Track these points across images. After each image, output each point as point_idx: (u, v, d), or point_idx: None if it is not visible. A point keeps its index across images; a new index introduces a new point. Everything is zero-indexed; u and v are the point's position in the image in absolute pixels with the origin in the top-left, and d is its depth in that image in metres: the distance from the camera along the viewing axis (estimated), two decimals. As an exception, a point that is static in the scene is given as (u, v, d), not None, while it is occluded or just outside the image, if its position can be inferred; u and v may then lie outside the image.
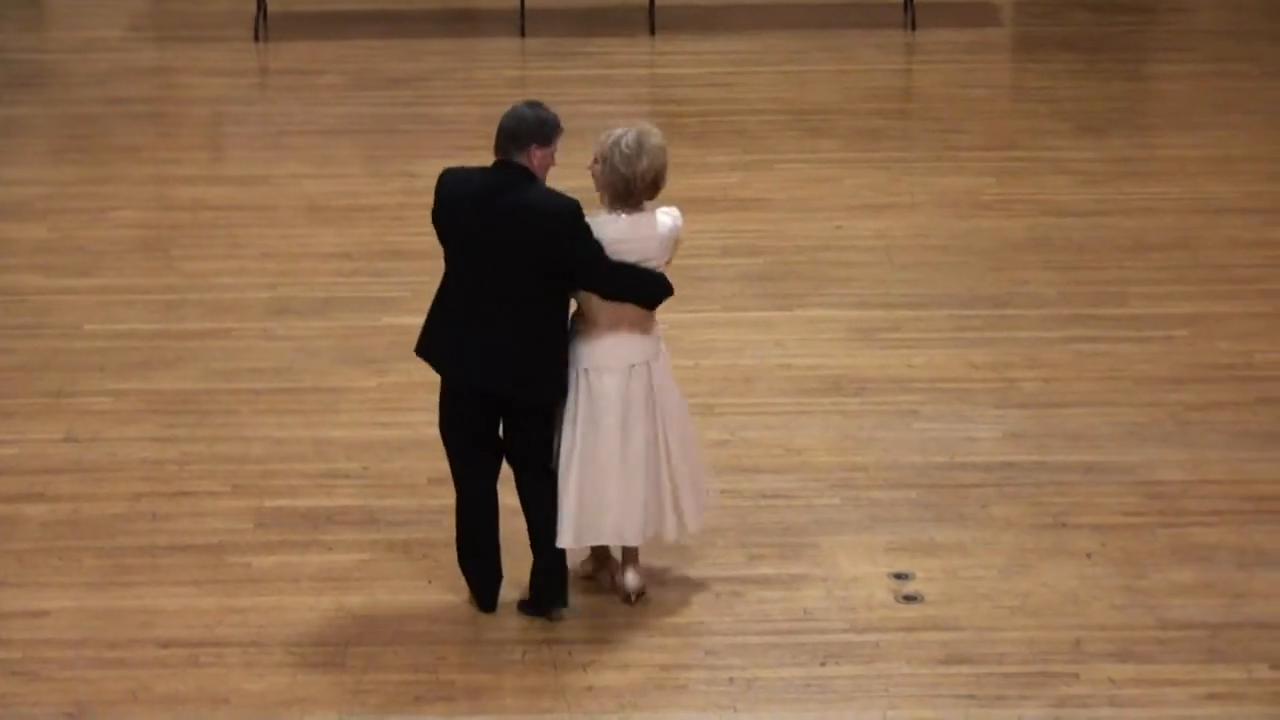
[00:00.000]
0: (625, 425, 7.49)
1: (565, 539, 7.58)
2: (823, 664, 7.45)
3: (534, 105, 7.55)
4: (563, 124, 7.51)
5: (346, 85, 13.85)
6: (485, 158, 12.47)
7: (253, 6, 14.79)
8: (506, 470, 7.64)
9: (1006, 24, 15.21)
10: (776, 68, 14.09)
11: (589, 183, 7.49)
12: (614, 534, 7.63)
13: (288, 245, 11.22)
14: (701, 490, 7.83)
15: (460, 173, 7.64)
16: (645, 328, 7.54)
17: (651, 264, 7.46)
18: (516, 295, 7.37)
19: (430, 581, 7.95)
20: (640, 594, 7.72)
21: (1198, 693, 7.26)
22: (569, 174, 7.74)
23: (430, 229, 11.26)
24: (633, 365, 7.50)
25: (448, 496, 8.45)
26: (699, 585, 7.88)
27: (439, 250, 10.94)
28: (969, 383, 9.57)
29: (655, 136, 7.43)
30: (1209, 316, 10.21)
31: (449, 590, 7.85)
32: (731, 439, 9.02)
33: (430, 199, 12.17)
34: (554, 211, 7.32)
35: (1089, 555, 8.13)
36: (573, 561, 7.78)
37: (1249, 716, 7.13)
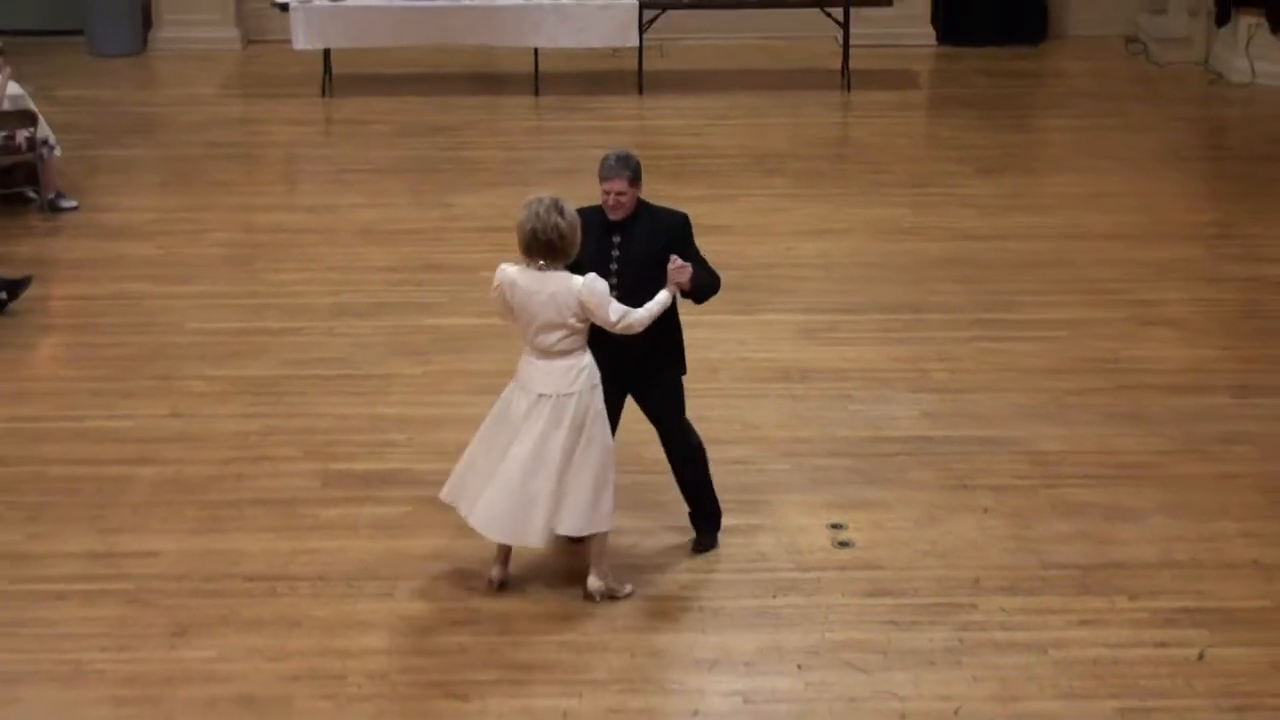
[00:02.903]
0: (522, 435, 7.14)
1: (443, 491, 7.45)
2: (774, 596, 7.49)
3: (615, 151, 7.41)
4: (610, 164, 7.29)
5: (395, 133, 13.87)
6: (508, 193, 12.63)
7: (320, 69, 14.81)
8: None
9: (923, 87, 15.25)
10: (739, 121, 14.11)
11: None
12: (468, 508, 7.30)
13: (347, 260, 11.24)
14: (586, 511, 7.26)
15: None
16: (557, 366, 7.12)
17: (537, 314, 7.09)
18: None
19: (463, 530, 7.92)
20: (605, 596, 7.39)
21: (1071, 619, 7.31)
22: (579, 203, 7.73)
23: (460, 246, 11.40)
24: (541, 395, 7.13)
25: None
26: (677, 534, 7.90)
27: (470, 264, 11.06)
28: (892, 373, 9.60)
29: (530, 204, 7.02)
30: (1083, 321, 10.24)
31: (478, 536, 7.85)
32: (701, 417, 8.98)
33: (463, 226, 12.27)
34: None
35: (986, 510, 8.18)
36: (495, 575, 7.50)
37: (1111, 638, 7.17)
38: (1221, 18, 15.26)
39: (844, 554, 7.80)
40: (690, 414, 9.01)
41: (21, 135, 12.07)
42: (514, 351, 9.02)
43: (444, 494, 7.50)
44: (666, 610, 7.39)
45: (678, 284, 7.26)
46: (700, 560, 7.73)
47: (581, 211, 7.22)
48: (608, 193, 7.32)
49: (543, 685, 6.90)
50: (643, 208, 7.40)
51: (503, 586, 7.47)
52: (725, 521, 7.94)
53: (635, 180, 7.33)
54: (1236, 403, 9.22)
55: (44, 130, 12.18)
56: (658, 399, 7.61)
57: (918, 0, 16.04)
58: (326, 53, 14.70)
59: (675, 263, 7.24)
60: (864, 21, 15.20)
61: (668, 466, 8.17)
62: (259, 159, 13.35)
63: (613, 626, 7.27)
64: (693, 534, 7.87)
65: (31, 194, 12.21)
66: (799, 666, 7.00)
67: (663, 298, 7.22)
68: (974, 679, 6.91)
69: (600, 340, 7.27)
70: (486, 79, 15.27)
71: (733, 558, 7.76)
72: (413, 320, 10.29)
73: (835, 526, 8.02)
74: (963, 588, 7.53)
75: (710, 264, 7.52)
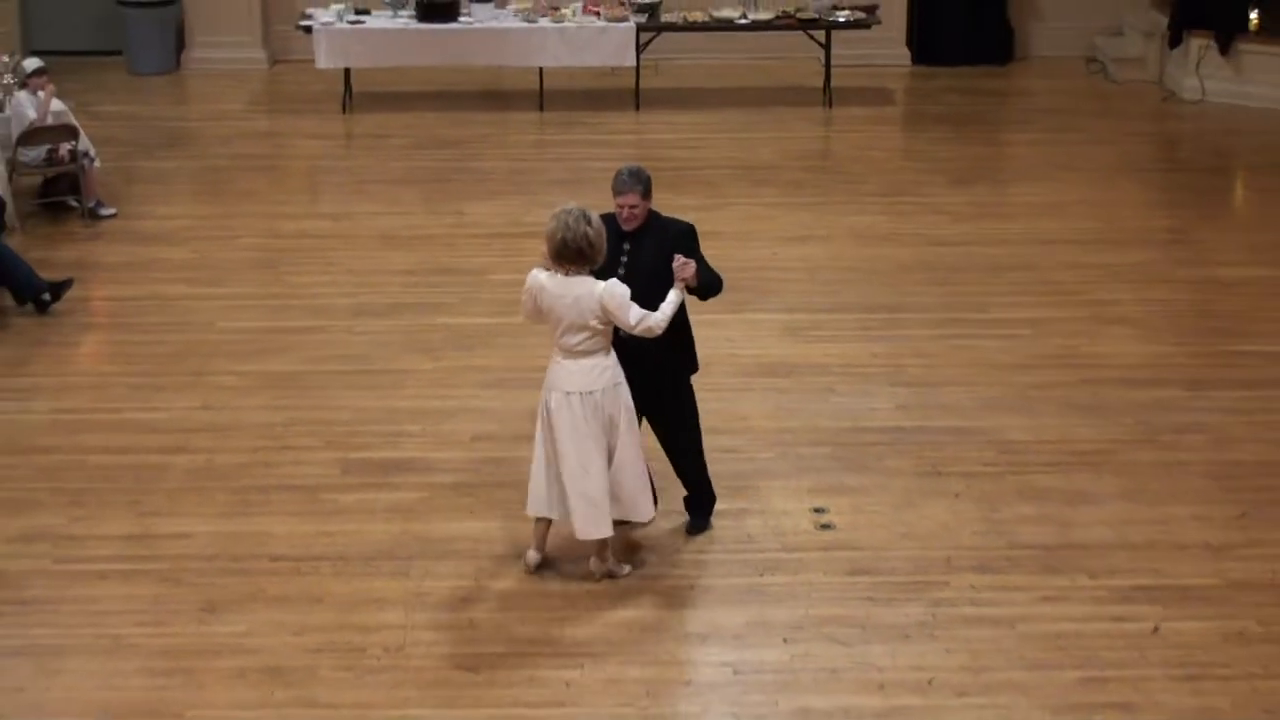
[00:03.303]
0: (570, 435, 7.12)
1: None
2: (761, 575, 7.48)
3: (627, 167, 7.37)
4: (623, 179, 7.26)
5: (411, 146, 13.86)
6: (514, 201, 12.60)
7: (341, 87, 14.79)
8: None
9: (898, 104, 15.24)
10: (730, 135, 14.10)
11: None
12: (561, 515, 7.28)
13: (366, 264, 11.22)
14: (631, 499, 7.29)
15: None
16: (581, 365, 7.08)
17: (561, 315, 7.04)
18: None
19: (473, 513, 7.97)
20: (605, 575, 7.39)
21: (1035, 596, 7.31)
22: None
23: (470, 251, 11.39)
24: (568, 393, 7.11)
25: (488, 450, 8.54)
26: (671, 517, 7.88)
27: (479, 267, 11.05)
28: (870, 367, 9.59)
29: (559, 214, 6.97)
30: (1046, 320, 10.24)
31: (487, 520, 7.88)
32: (694, 409, 9.05)
33: (473, 232, 12.25)
34: None
35: (957, 495, 8.17)
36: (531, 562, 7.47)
37: (1072, 614, 7.17)
38: (1174, 40, 15.26)
39: (826, 535, 7.80)
40: (684, 406, 9.04)
41: (64, 148, 12.07)
42: (519, 348, 9.05)
43: (529, 509, 7.41)
44: (661, 588, 7.38)
45: (683, 280, 7.23)
46: (693, 542, 7.72)
47: (601, 218, 7.21)
48: (621, 206, 7.30)
49: (546, 658, 6.89)
50: (653, 218, 7.39)
51: (540, 568, 7.44)
52: (716, 505, 7.93)
53: (646, 193, 7.32)
54: (1188, 395, 9.21)
55: (85, 143, 12.17)
56: (671, 402, 7.57)
57: (894, 24, 16.04)
58: (347, 72, 14.69)
59: (679, 260, 7.21)
60: (844, 43, 15.20)
61: (663, 455, 8.16)
62: (284, 170, 13.33)
63: (611, 603, 7.26)
64: (687, 517, 7.85)
65: (73, 202, 12.20)
66: (784, 640, 7.00)
67: (673, 297, 7.20)
68: (946, 651, 6.91)
69: (617, 345, 7.24)
70: (495, 96, 15.25)
71: (723, 539, 7.75)
72: (426, 319, 10.28)
73: (818, 510, 8.01)
74: (936, 567, 7.52)
75: (713, 268, 7.48)
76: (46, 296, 10.42)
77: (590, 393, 7.11)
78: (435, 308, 10.46)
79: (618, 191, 7.29)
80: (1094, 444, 8.66)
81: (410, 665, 6.84)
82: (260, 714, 6.56)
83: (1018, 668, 6.80)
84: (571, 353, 7.11)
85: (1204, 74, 14.94)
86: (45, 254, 11.29)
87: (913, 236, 11.67)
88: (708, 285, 7.42)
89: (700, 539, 7.76)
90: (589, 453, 7.15)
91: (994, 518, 7.94)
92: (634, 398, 7.34)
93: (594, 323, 7.05)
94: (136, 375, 9.55)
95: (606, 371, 7.15)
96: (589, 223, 6.98)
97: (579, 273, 7.04)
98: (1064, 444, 8.66)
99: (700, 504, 7.83)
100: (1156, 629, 7.06)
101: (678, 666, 6.85)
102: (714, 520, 7.87)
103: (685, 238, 7.39)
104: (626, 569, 7.44)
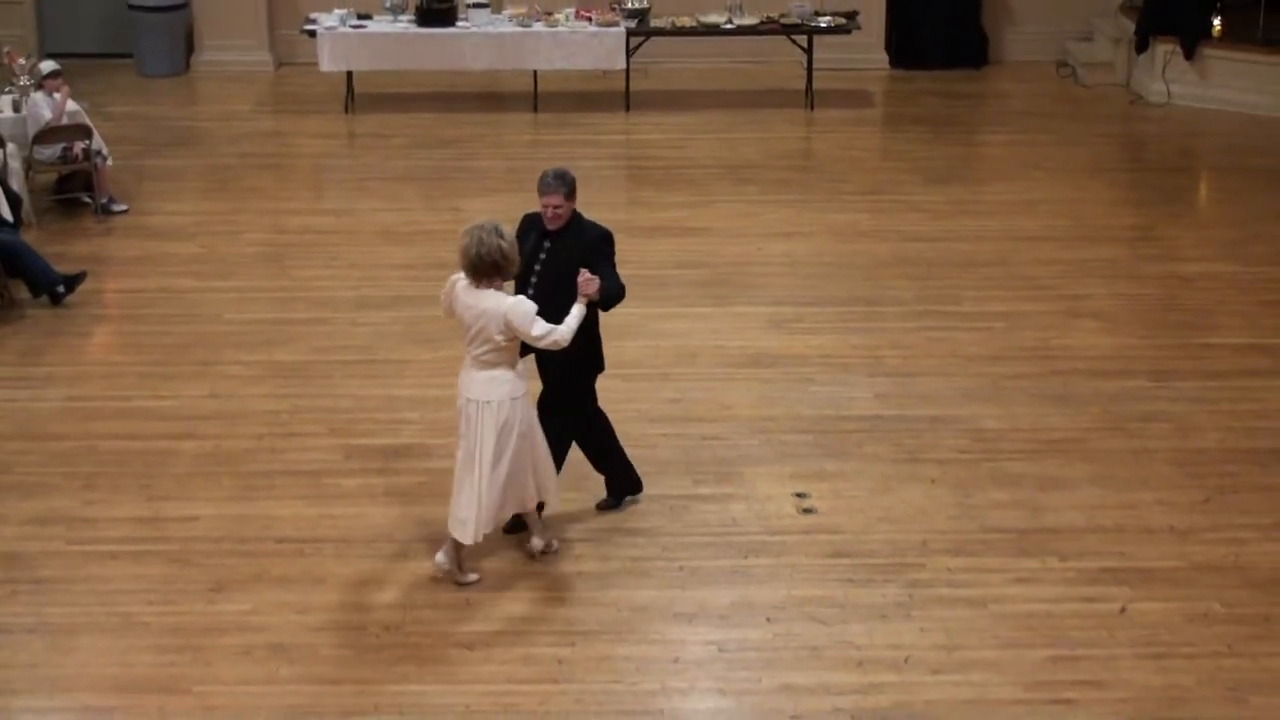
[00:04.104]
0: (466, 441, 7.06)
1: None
2: (745, 557, 7.47)
3: (553, 170, 7.36)
4: (548, 180, 7.26)
5: (411, 145, 13.80)
6: (510, 199, 12.55)
7: (344, 89, 14.73)
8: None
9: (878, 105, 15.20)
10: (716, 135, 14.06)
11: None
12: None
13: (368, 258, 11.18)
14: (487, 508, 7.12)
15: None
16: (482, 375, 7.00)
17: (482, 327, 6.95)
18: None
19: (468, 497, 7.93)
20: (542, 551, 7.39)
21: (1008, 577, 7.30)
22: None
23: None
24: (468, 399, 7.03)
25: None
26: (658, 501, 7.88)
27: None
28: (850, 358, 9.57)
29: (471, 230, 6.90)
30: (1018, 313, 10.22)
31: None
32: (682, 398, 9.02)
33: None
34: None
35: (933, 481, 8.15)
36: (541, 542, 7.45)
37: (1043, 595, 7.17)
38: (1140, 45, 15.24)
39: (807, 519, 7.78)
40: (673, 395, 9.03)
41: (79, 146, 12.02)
42: (515, 339, 8.89)
43: None
44: (649, 570, 7.36)
45: (586, 295, 7.11)
46: (680, 526, 7.70)
47: (527, 216, 7.29)
48: (545, 206, 7.27)
49: (540, 636, 6.87)
50: (575, 220, 7.34)
51: (545, 553, 7.40)
52: (701, 491, 7.94)
53: (570, 195, 7.28)
54: (1154, 385, 9.20)
55: (98, 142, 12.12)
56: (574, 401, 7.51)
57: (873, 29, 16.00)
58: (349, 74, 14.62)
59: (584, 275, 7.09)
60: (825, 47, 15.16)
61: (650, 442, 8.14)
62: (289, 168, 13.27)
63: (601, 584, 7.23)
64: (672, 503, 7.83)
65: (87, 199, 12.15)
66: (767, 619, 6.98)
67: (577, 311, 7.06)
68: (922, 630, 6.89)
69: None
70: (491, 98, 15.20)
71: (708, 523, 7.73)
72: (425, 311, 10.21)
73: (800, 495, 7.99)
74: (912, 549, 7.50)
75: (619, 277, 7.33)
76: (61, 289, 10.38)
77: (488, 402, 7.00)
78: (434, 300, 10.30)
79: (542, 192, 7.28)
80: (1064, 432, 8.65)
81: (409, 643, 6.82)
82: (265, 689, 6.54)
83: (991, 646, 6.79)
84: (477, 361, 7.04)
85: (1169, 78, 14.92)
86: (60, 248, 11.24)
87: (891, 233, 11.64)
88: (610, 297, 7.26)
89: (686, 522, 7.73)
90: (470, 460, 7.04)
91: (968, 502, 7.92)
92: (543, 393, 7.32)
93: (498, 338, 6.95)
94: (147, 365, 9.50)
95: (505, 385, 7.02)
96: (501, 236, 6.91)
97: (492, 285, 6.95)
98: (1035, 432, 8.64)
99: (616, 488, 7.79)
100: (1124, 609, 7.05)
101: (666, 645, 6.83)
102: (699, 505, 7.85)
103: (602, 242, 7.35)
104: (473, 577, 7.25)
